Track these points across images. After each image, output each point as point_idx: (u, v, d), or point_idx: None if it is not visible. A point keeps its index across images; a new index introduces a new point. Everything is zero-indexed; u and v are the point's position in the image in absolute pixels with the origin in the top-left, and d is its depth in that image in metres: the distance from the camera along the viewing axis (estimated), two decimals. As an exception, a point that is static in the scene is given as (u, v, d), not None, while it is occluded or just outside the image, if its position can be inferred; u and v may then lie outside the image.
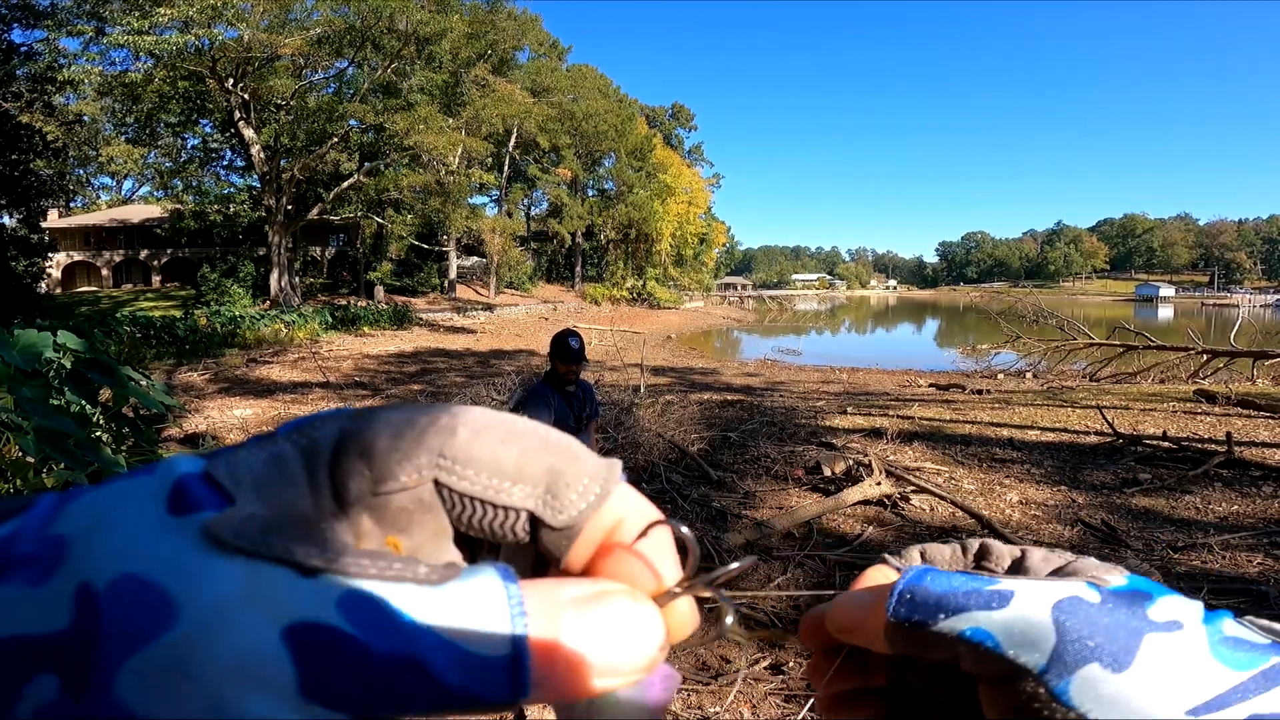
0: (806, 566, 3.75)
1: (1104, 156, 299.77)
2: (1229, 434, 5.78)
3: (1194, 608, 0.21)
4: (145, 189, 38.91)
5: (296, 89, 23.69)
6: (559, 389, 3.25)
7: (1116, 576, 0.22)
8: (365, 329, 21.68)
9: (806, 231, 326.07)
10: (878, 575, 0.26)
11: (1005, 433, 6.99)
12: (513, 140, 35.33)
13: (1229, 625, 0.21)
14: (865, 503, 4.68)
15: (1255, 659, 0.20)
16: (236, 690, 0.14)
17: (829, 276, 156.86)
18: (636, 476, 5.23)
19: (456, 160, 26.13)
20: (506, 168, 38.12)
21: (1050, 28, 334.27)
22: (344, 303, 27.00)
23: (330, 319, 21.28)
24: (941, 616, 0.21)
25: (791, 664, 2.78)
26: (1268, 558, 3.75)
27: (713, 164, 66.61)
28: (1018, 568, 0.25)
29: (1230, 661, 0.20)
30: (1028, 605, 0.20)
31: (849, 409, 8.60)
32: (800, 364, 19.90)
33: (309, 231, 32.39)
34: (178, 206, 26.88)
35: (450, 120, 24.49)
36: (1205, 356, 12.66)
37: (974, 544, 0.27)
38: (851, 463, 5.33)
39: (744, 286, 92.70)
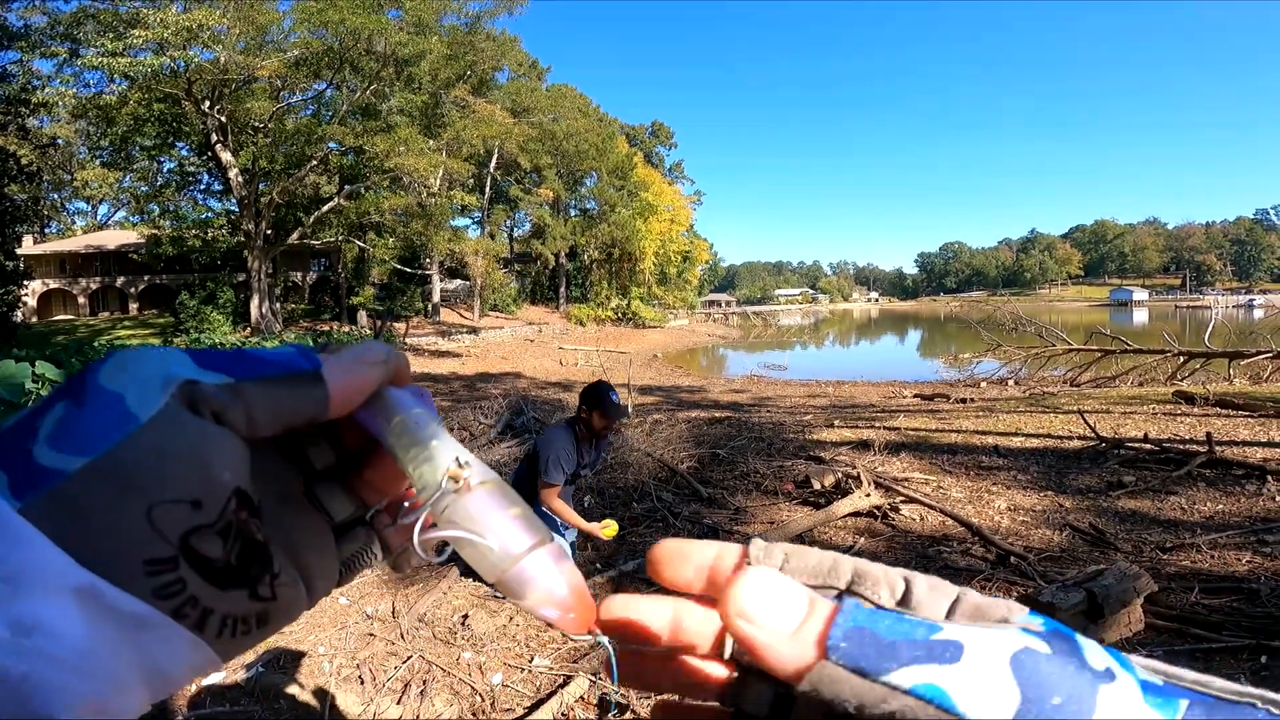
0: (799, 580, 3.72)
1: (1074, 164, 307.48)
2: (1209, 434, 5.88)
3: (1101, 650, 0.20)
4: (121, 214, 38.42)
5: (274, 111, 23.62)
6: (578, 441, 3.24)
7: (1019, 613, 0.21)
8: (348, 354, 21.44)
9: (788, 247, 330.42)
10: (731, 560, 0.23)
11: (990, 440, 7.05)
12: (494, 161, 35.45)
13: (1140, 668, 0.20)
14: (856, 514, 4.68)
15: (1172, 706, 0.19)
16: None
17: (811, 291, 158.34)
18: (626, 496, 5.19)
19: (438, 182, 26.13)
20: (488, 189, 38.21)
21: (1019, 38, 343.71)
22: (326, 328, 26.76)
23: (312, 345, 21.06)
24: (891, 667, 0.19)
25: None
26: (1256, 555, 3.78)
27: (693, 181, 67.37)
28: (907, 600, 0.22)
29: (1161, 709, 0.19)
30: (983, 660, 0.19)
31: (836, 422, 8.64)
32: (786, 379, 19.99)
33: (289, 256, 32.13)
34: (155, 232, 26.54)
35: (431, 142, 24.50)
36: (1182, 358, 12.90)
37: (846, 566, 0.23)
38: (841, 475, 5.33)
39: (728, 303, 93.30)
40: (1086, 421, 6.66)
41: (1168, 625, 2.98)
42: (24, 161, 21.79)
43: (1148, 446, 6.02)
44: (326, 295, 35.39)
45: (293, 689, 2.83)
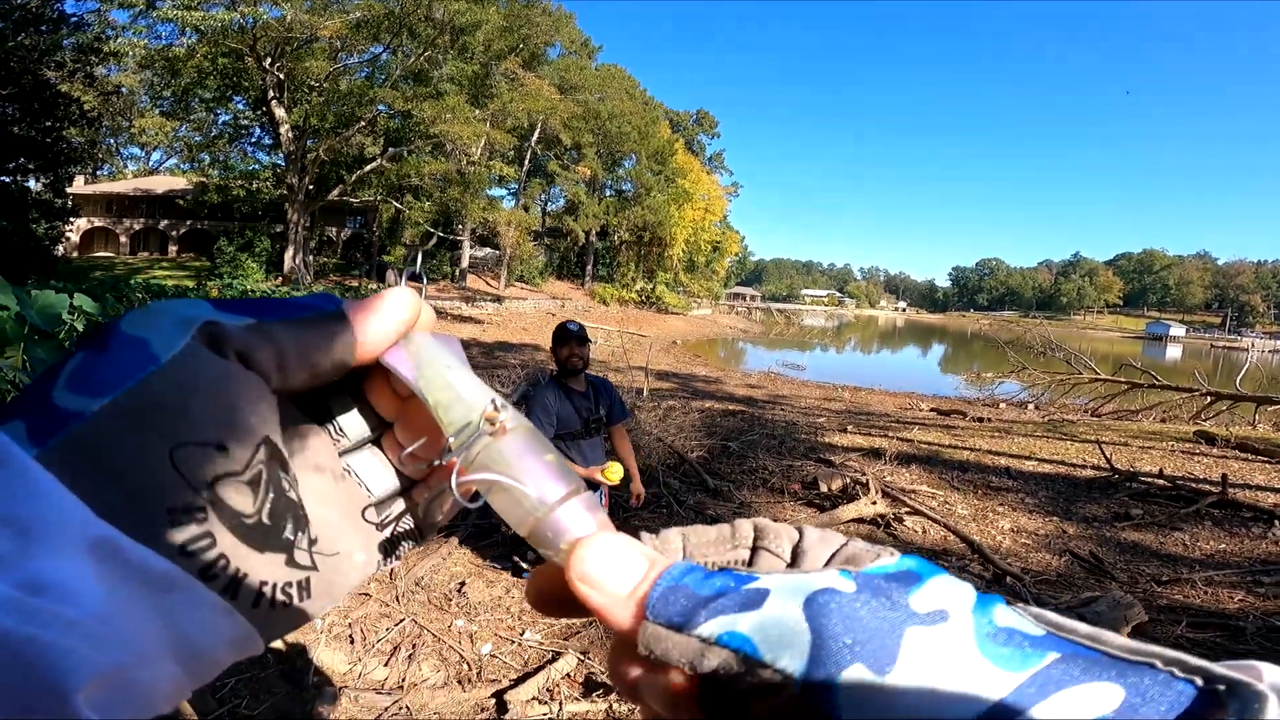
0: (795, 582, 3.74)
1: (1128, 189, 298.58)
2: (1224, 475, 5.78)
3: (964, 592, 0.20)
4: (172, 161, 39.18)
5: (331, 71, 23.88)
6: (565, 388, 3.09)
7: (885, 557, 0.21)
8: (374, 312, 21.75)
9: (820, 247, 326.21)
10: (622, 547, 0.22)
11: (1003, 461, 6.96)
12: (535, 135, 35.40)
13: (1001, 614, 0.19)
14: (859, 521, 4.67)
15: (1030, 657, 0.18)
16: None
17: (839, 294, 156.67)
18: (632, 480, 5.23)
19: (479, 151, 26.21)
20: (527, 162, 38.20)
21: (1082, 57, 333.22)
22: (354, 284, 27.13)
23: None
24: (701, 617, 0.19)
25: None
26: (1249, 595, 3.76)
27: (732, 172, 66.77)
28: (796, 552, 0.23)
29: (1002, 660, 0.18)
30: (781, 602, 0.19)
31: (849, 427, 8.57)
32: (803, 379, 19.84)
33: (327, 212, 32.56)
34: (203, 180, 27.17)
35: (477, 111, 24.58)
36: (1209, 398, 12.57)
37: (746, 526, 0.24)
38: (849, 481, 5.30)
39: (753, 297, 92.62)
40: (1103, 452, 6.54)
41: None
42: (86, 107, 22.25)
43: (1160, 482, 5.92)
44: (358, 252, 35.86)
45: (280, 643, 2.81)
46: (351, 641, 2.90)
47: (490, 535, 4.18)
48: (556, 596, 0.23)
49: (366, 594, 3.33)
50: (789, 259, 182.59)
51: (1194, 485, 5.85)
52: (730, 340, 38.70)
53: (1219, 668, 0.17)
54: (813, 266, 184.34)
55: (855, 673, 0.17)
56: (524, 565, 3.77)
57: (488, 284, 37.63)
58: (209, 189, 26.54)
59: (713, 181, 54.73)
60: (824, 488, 5.25)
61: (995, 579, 3.89)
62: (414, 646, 2.88)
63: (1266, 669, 0.18)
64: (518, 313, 30.33)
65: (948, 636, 0.18)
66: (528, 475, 0.23)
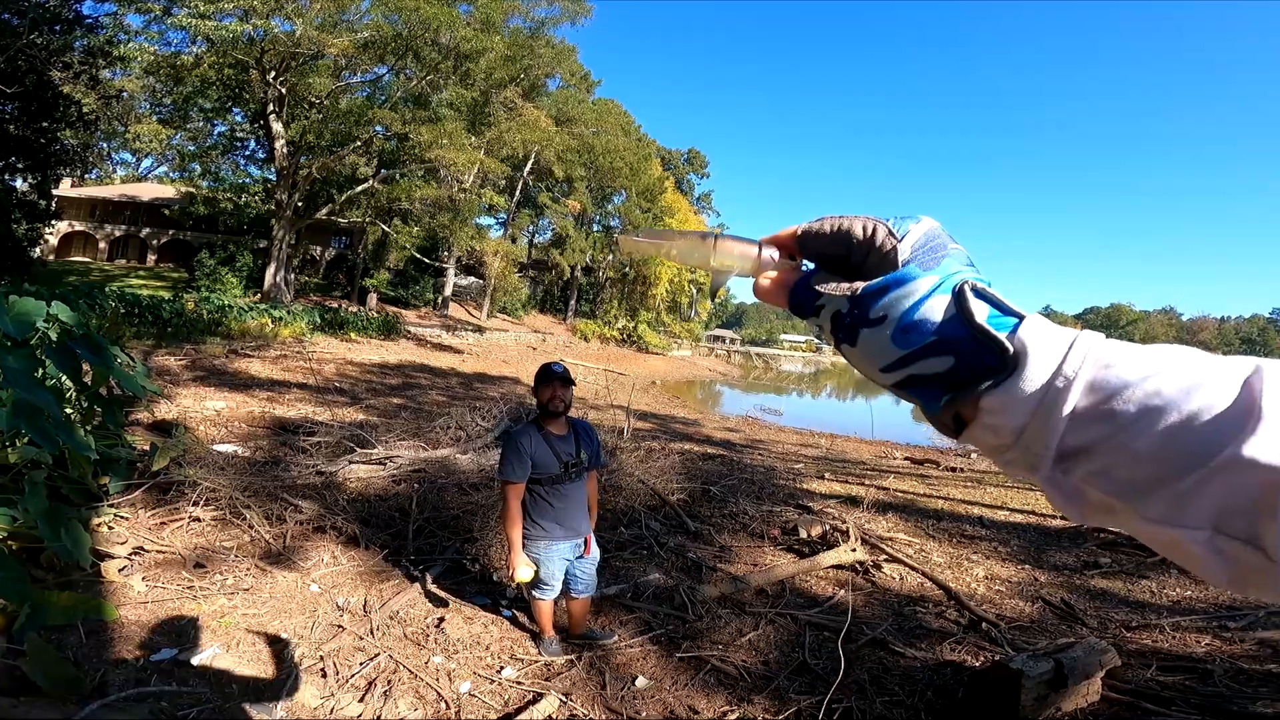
0: (778, 624, 3.73)
1: (1099, 243, 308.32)
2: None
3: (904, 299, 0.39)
4: (162, 169, 38.69)
5: (333, 89, 24.02)
6: (544, 431, 3.00)
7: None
8: (352, 334, 21.51)
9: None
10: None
11: (976, 510, 7.06)
12: (528, 166, 35.79)
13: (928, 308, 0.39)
14: (839, 567, 4.68)
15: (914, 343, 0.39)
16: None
17: (816, 340, 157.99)
18: (615, 520, 5.19)
19: (471, 178, 26.41)
20: (519, 192, 38.53)
21: (1054, 109, 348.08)
22: (335, 305, 26.84)
23: (319, 320, 21.12)
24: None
25: (760, 718, 2.74)
26: (1216, 639, 3.84)
27: (719, 213, 67.94)
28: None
29: (899, 343, 0.39)
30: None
31: (826, 474, 8.63)
32: (781, 424, 19.93)
33: (312, 230, 32.39)
34: (191, 190, 26.87)
35: (473, 138, 24.82)
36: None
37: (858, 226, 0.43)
38: (828, 528, 5.33)
39: (733, 340, 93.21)
40: (1076, 508, 6.64)
41: (1122, 698, 3.02)
42: (85, 109, 22.13)
43: (1127, 530, 6.03)
44: (341, 273, 35.58)
45: (248, 673, 2.76)
46: (324, 675, 2.81)
47: (469, 570, 4.11)
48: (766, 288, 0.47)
49: (340, 626, 3.24)
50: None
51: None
52: (709, 383, 38.83)
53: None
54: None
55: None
56: (502, 602, 3.71)
57: (470, 313, 37.51)
58: (197, 199, 26.31)
59: (700, 222, 55.64)
60: (804, 534, 5.26)
61: (971, 625, 3.92)
62: (389, 683, 2.80)
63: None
64: (498, 344, 30.20)
65: (877, 334, 0.40)
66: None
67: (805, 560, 4.69)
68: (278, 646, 2.99)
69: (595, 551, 3.18)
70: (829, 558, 4.71)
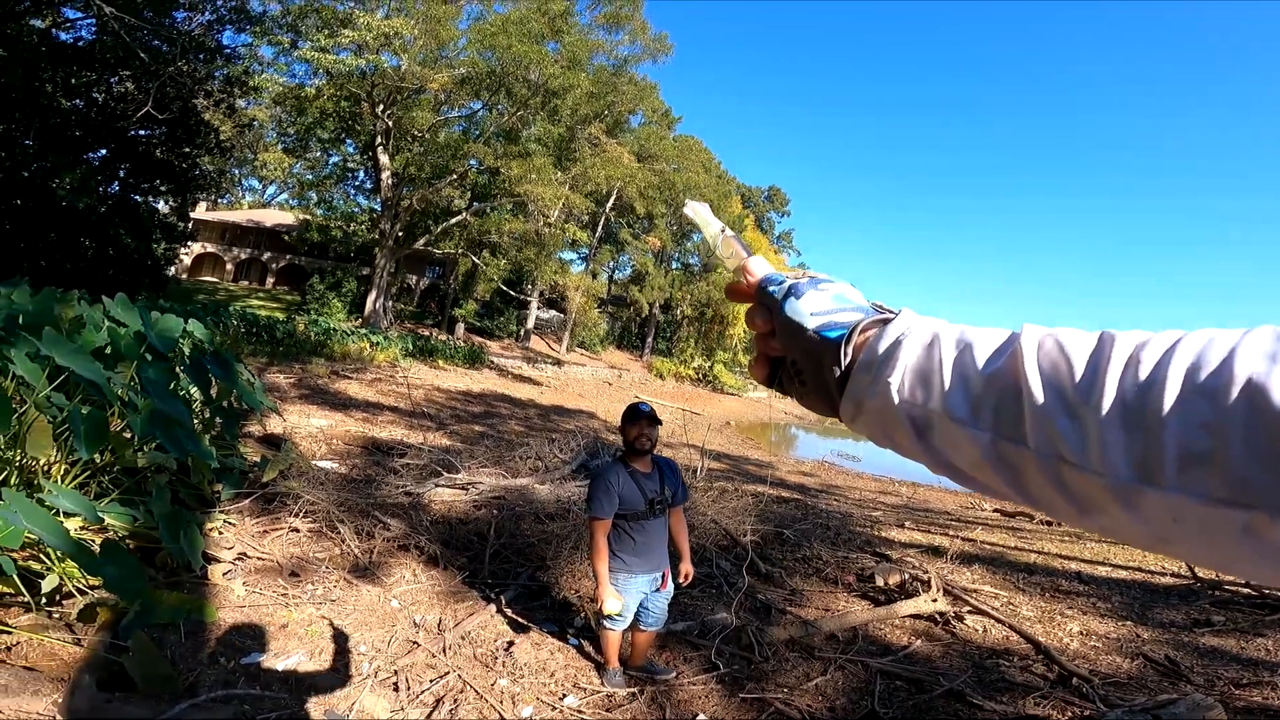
0: (847, 670, 3.58)
1: (1097, 271, 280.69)
2: (1315, 588, 5.21)
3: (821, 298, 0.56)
4: (282, 196, 42.34)
5: (433, 123, 25.74)
6: (630, 469, 3.07)
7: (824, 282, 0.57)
8: (440, 362, 22.53)
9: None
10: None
11: (1074, 565, 6.54)
12: (611, 201, 36.80)
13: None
14: (917, 616, 4.45)
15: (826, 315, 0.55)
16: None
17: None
18: (684, 556, 5.16)
19: (556, 213, 27.45)
20: (600, 228, 39.59)
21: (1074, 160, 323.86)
22: (426, 333, 28.28)
23: (411, 346, 22.27)
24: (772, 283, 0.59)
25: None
26: None
27: (800, 252, 66.89)
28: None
29: (835, 300, 0.55)
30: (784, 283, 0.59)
31: (907, 523, 8.23)
32: (858, 470, 19.17)
33: (410, 260, 34.41)
34: (307, 217, 29.03)
35: (559, 173, 25.84)
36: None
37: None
38: (907, 576, 5.07)
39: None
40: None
41: None
42: (223, 136, 24.10)
43: (1246, 590, 5.44)
44: (433, 302, 37.55)
45: (327, 682, 2.88)
46: (395, 689, 2.93)
47: (541, 597, 4.19)
48: (734, 287, 0.63)
49: (415, 642, 3.37)
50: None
51: (1283, 598, 5.33)
52: (783, 425, 37.91)
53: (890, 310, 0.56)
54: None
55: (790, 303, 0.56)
56: (569, 630, 3.76)
57: (550, 347, 38.54)
58: (312, 226, 28.23)
59: (780, 261, 55.11)
60: (880, 581, 5.03)
61: (1061, 680, 3.62)
62: (455, 702, 2.88)
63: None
64: (576, 378, 30.78)
65: (820, 291, 0.56)
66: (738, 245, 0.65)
67: (881, 608, 4.48)
68: (357, 658, 3.15)
69: (671, 586, 3.20)
70: (907, 607, 4.48)
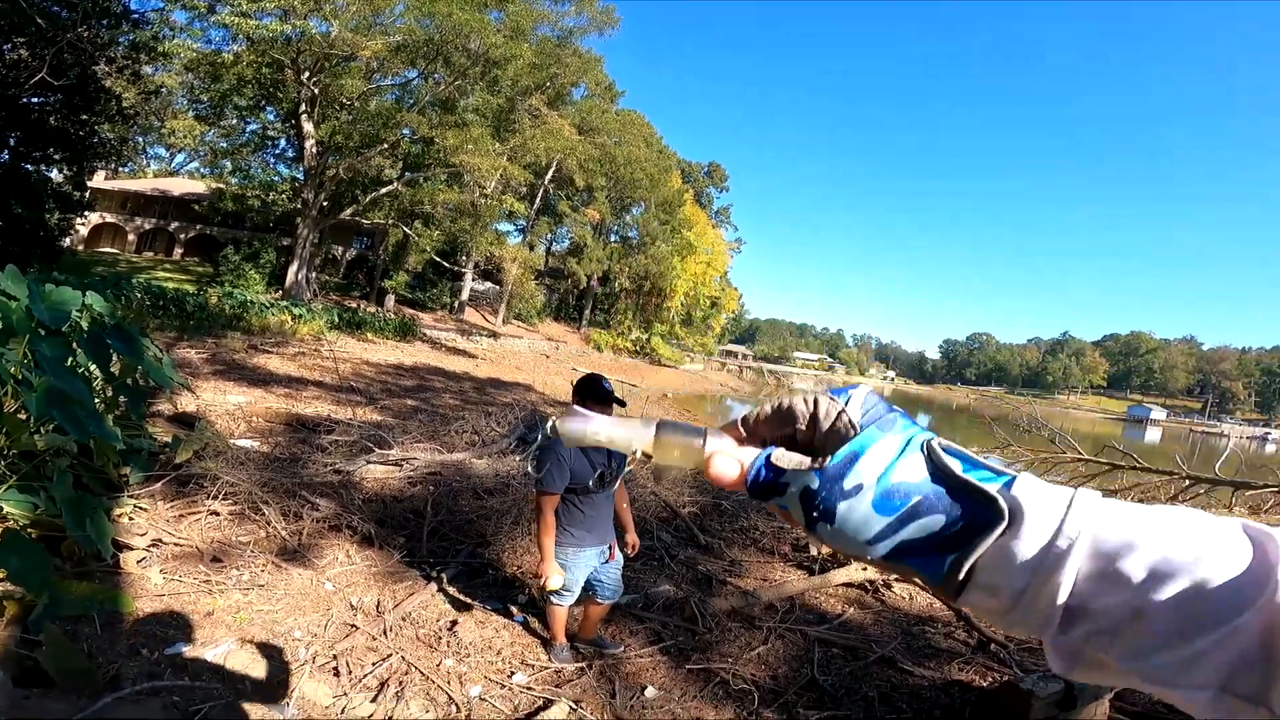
0: (787, 639, 3.71)
1: (1120, 271, 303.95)
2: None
3: (879, 460, 0.38)
4: (193, 165, 39.59)
5: (364, 91, 24.38)
6: None
7: (851, 435, 0.40)
8: (369, 335, 21.73)
9: (815, 310, 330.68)
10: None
11: (993, 539, 6.97)
12: (549, 174, 36.08)
13: (899, 471, 0.38)
14: (849, 585, 4.65)
15: (896, 508, 0.38)
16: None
17: (830, 359, 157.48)
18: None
19: (493, 184, 26.69)
20: (539, 200, 38.81)
21: (1084, 140, 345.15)
22: (353, 305, 27.15)
23: (337, 319, 21.35)
24: (761, 476, 0.43)
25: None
26: None
27: (737, 228, 68.04)
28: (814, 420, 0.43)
29: (880, 510, 0.38)
30: (782, 477, 0.42)
31: (841, 492, 8.57)
32: (794, 438, 19.81)
33: (335, 230, 32.82)
34: (221, 186, 27.30)
35: (498, 144, 25.07)
36: (1188, 482, 12.70)
37: (800, 405, 0.44)
38: (840, 548, 5.29)
39: (745, 356, 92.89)
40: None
41: None
42: (125, 104, 22.41)
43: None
44: (361, 273, 36.02)
45: (261, 671, 2.76)
46: (336, 674, 2.83)
47: (483, 574, 4.12)
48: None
49: (353, 625, 3.26)
50: (784, 320, 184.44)
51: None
52: (720, 398, 38.74)
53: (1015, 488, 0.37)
54: (806, 329, 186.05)
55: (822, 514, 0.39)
56: (514, 607, 3.72)
57: (485, 319, 37.77)
58: (226, 195, 26.74)
59: (717, 236, 55.68)
60: (814, 551, 5.23)
61: (980, 645, 3.88)
62: (401, 684, 2.81)
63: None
64: (512, 351, 30.34)
65: (856, 504, 0.38)
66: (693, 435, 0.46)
67: (816, 577, 4.66)
68: (292, 644, 3.02)
69: (619, 557, 3.21)
70: (839, 575, 4.68)
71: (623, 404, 3.05)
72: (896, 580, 4.79)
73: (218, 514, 4.29)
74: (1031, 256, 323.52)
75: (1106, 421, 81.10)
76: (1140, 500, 12.64)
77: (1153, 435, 61.40)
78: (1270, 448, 46.33)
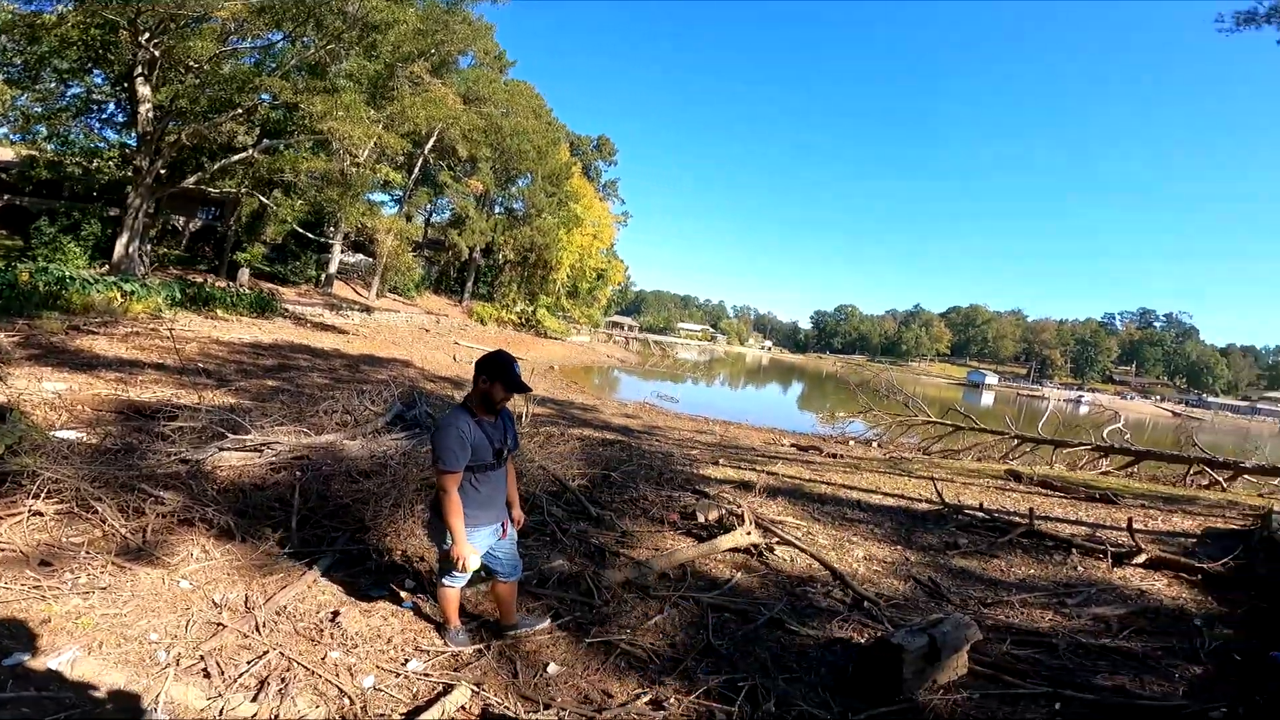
0: (682, 607, 3.87)
1: (964, 246, 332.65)
2: (1031, 509, 6.80)
3: None
4: (2, 131, 33.61)
5: (216, 54, 21.57)
6: (478, 417, 2.90)
7: None
8: (220, 311, 19.74)
9: (698, 283, 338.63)
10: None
11: (854, 495, 7.63)
12: (430, 143, 34.10)
13: None
14: (736, 550, 4.91)
15: None
16: None
17: (712, 329, 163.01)
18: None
19: (366, 153, 24.81)
20: (418, 170, 36.64)
21: (944, 123, 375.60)
22: (200, 280, 24.41)
23: (179, 295, 19.15)
24: None
25: (672, 699, 2.84)
26: (1057, 614, 4.38)
27: (624, 201, 67.66)
28: None
29: None
30: None
31: (721, 460, 8.99)
32: (677, 411, 20.48)
33: (176, 199, 29.17)
34: (33, 153, 23.65)
35: (373, 112, 23.23)
36: (1016, 441, 14.63)
37: None
38: (724, 512, 5.57)
39: (631, 327, 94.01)
40: (936, 489, 7.41)
41: (985, 672, 3.34)
42: None
43: (980, 514, 6.81)
44: (208, 246, 32.39)
45: (116, 677, 2.53)
46: (207, 675, 2.62)
47: (364, 561, 3.94)
48: None
49: (219, 624, 3.02)
50: (668, 292, 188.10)
51: (1007, 518, 6.77)
52: (607, 369, 39.10)
53: None
54: (690, 301, 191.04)
55: None
56: (402, 593, 3.60)
57: (357, 293, 35.38)
58: (39, 164, 23.33)
59: (604, 209, 55.46)
60: (701, 518, 5.47)
61: (855, 603, 4.24)
62: (284, 680, 2.64)
63: None
64: (388, 325, 28.76)
65: None
66: None
67: (704, 544, 4.88)
68: (147, 647, 2.75)
69: (513, 532, 3.16)
70: (726, 541, 4.93)
71: (528, 390, 2.99)
72: (778, 543, 5.14)
73: (41, 514, 3.78)
74: (891, 231, 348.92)
75: (951, 386, 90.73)
76: (979, 457, 14.24)
77: (988, 399, 69.35)
78: (1084, 409, 53.98)
